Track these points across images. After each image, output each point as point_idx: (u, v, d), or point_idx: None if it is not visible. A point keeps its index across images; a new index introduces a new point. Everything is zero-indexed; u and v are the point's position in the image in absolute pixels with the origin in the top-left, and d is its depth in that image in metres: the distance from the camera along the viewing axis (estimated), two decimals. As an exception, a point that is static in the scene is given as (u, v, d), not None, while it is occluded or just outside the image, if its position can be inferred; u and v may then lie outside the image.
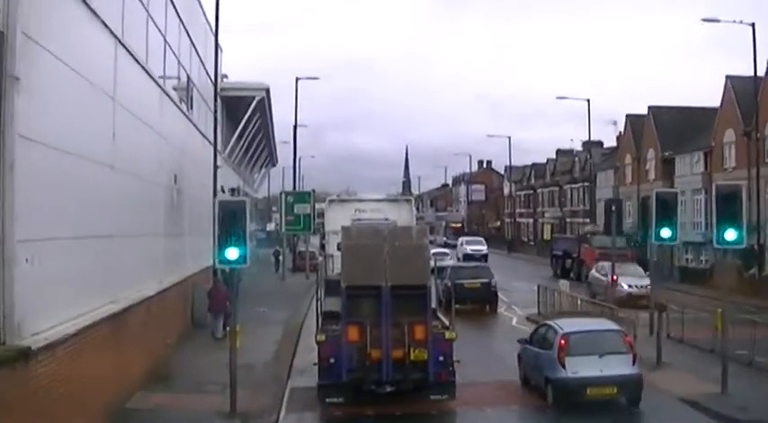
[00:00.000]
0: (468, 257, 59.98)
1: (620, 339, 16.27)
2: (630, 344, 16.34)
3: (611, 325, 17.78)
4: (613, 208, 27.66)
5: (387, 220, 19.75)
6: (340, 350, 15.07)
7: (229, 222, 13.92)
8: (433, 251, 24.61)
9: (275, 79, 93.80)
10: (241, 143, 45.13)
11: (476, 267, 36.65)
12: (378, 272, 15.20)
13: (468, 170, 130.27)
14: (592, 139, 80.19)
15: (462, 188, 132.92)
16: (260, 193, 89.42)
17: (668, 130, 52.47)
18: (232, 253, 13.83)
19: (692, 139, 50.32)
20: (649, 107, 54.43)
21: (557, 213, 78.83)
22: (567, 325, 17.03)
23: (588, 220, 68.19)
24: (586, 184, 69.14)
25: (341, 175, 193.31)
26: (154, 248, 19.94)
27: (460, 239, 72.66)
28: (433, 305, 16.55)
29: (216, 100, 30.25)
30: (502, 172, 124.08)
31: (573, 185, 72.97)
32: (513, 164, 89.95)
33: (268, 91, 40.20)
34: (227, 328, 21.35)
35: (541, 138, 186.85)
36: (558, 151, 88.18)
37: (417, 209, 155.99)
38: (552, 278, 46.59)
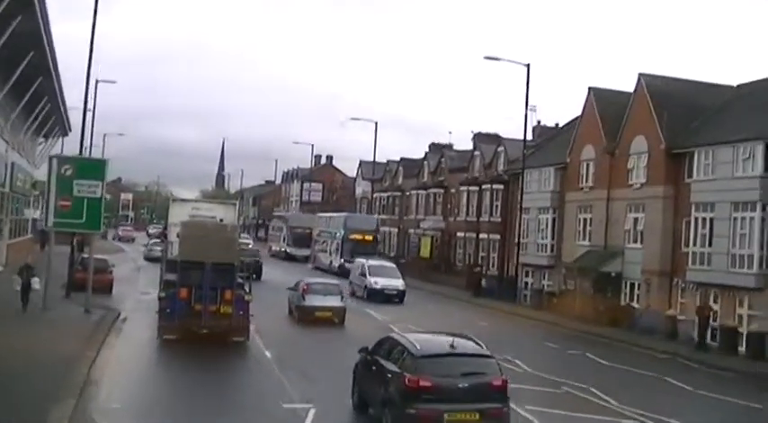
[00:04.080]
0: None
1: (338, 288, 30.63)
2: (341, 291, 30.63)
3: (334, 280, 34.43)
4: None
5: (213, 217, 26.10)
6: (175, 303, 21.96)
7: None
8: None
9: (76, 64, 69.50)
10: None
11: (252, 251, 48.73)
12: (203, 253, 22.08)
13: (302, 166, 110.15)
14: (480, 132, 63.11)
15: (295, 186, 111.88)
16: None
17: (674, 108, 34.60)
18: None
19: (721, 124, 32.82)
20: (641, 75, 36.26)
21: (438, 224, 59.77)
22: (308, 279, 31.98)
23: (499, 236, 49.57)
24: (498, 186, 50.49)
25: (151, 167, 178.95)
26: None
27: None
28: (239, 280, 23.44)
29: None
30: (345, 170, 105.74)
31: (471, 188, 54.05)
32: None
33: None
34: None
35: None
36: (433, 146, 69.69)
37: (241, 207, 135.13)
38: None
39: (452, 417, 12.75)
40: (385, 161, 74.63)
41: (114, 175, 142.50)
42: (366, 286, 39.90)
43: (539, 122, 54.93)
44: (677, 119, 34.26)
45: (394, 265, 43.27)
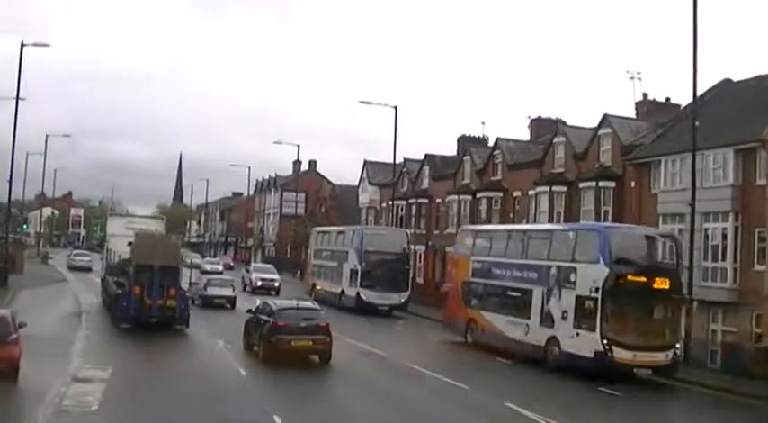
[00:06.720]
0: None
1: (231, 282, 40.41)
2: (233, 285, 40.26)
3: (228, 277, 44.64)
4: None
5: (147, 229, 35.96)
6: (129, 298, 28.13)
7: None
8: None
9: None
10: None
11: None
12: (152, 257, 28.22)
13: (282, 173, 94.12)
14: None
15: (273, 196, 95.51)
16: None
17: None
18: None
19: None
20: None
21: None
22: (209, 276, 43.29)
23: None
24: (607, 183, 35.10)
25: (104, 184, 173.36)
26: None
27: None
28: (181, 280, 30.50)
29: None
30: (329, 176, 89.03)
31: (555, 188, 38.63)
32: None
33: None
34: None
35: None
36: (464, 138, 54.53)
37: (200, 222, 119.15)
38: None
39: (296, 343, 22.45)
40: (402, 160, 58.42)
41: (64, 188, 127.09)
42: None
43: (645, 96, 40.12)
44: None
45: None
